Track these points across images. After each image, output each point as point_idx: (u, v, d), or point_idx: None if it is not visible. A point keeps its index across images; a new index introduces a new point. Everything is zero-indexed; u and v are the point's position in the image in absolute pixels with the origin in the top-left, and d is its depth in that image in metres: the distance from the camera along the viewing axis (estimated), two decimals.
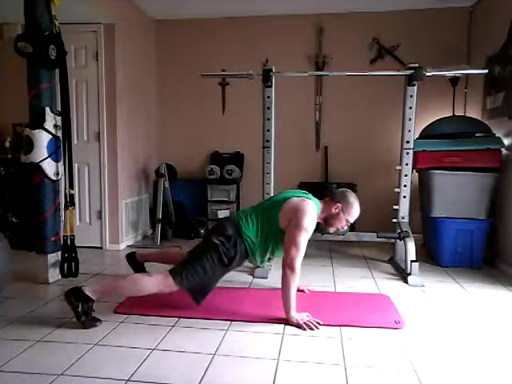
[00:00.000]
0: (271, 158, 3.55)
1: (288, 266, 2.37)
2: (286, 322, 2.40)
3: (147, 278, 2.43)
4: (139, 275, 2.55)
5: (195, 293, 2.42)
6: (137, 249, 4.18)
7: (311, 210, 2.44)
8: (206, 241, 2.53)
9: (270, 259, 2.71)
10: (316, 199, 2.59)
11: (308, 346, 2.17)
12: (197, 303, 2.44)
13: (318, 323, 2.36)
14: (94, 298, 2.32)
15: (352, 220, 2.60)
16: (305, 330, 2.32)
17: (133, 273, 2.83)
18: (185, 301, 2.55)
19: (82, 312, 2.29)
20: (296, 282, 2.39)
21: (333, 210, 2.56)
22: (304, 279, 3.25)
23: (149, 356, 2.03)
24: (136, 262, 3.01)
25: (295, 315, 2.38)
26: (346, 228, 2.63)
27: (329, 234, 2.73)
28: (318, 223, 2.59)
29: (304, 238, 2.40)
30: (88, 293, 2.30)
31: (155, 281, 2.38)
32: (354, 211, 2.58)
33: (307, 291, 2.92)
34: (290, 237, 2.40)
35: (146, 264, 3.02)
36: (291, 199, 2.52)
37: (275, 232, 2.49)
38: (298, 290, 2.88)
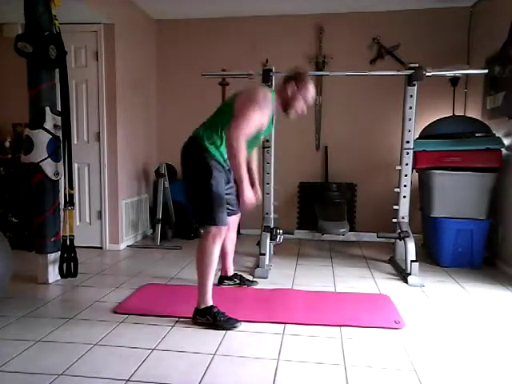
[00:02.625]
0: (271, 157, 3.55)
1: (231, 137, 2.24)
2: (286, 321, 2.41)
3: (199, 247, 2.42)
4: (197, 252, 2.47)
5: (220, 219, 2.41)
6: (136, 249, 4.21)
7: (263, 90, 2.40)
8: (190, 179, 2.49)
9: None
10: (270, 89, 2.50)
11: (308, 346, 2.17)
12: (223, 224, 2.41)
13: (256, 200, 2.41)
14: (209, 305, 2.39)
15: (309, 97, 2.53)
16: (246, 207, 2.34)
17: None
18: (185, 301, 2.55)
19: (213, 320, 2.35)
20: (243, 156, 2.28)
21: (288, 92, 2.50)
22: (304, 279, 3.26)
23: (149, 356, 2.03)
24: (228, 278, 3.07)
25: (250, 193, 2.35)
26: (305, 109, 2.57)
27: (291, 115, 2.58)
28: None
29: (255, 111, 2.27)
30: (203, 305, 2.39)
31: (205, 243, 2.38)
32: (309, 86, 2.52)
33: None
34: (239, 107, 2.30)
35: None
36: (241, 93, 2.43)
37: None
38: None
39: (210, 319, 2.36)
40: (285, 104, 2.55)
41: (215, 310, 2.38)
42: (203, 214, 2.42)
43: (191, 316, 2.42)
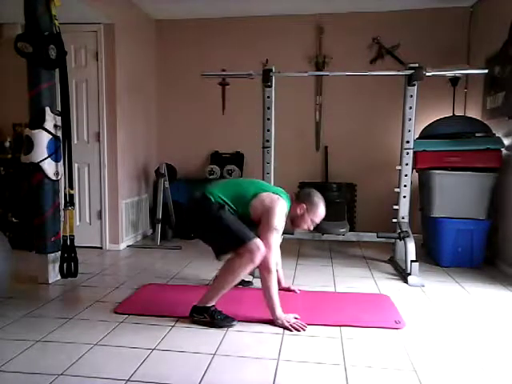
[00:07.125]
0: (271, 158, 3.54)
1: (264, 268, 2.35)
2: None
3: (239, 260, 2.34)
4: (233, 262, 2.39)
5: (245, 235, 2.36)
6: (136, 249, 4.21)
7: (280, 209, 2.42)
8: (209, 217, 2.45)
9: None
10: (286, 196, 2.55)
11: (308, 346, 2.17)
12: (251, 238, 2.34)
13: (303, 325, 2.35)
14: (209, 305, 2.38)
15: (317, 220, 2.59)
16: (291, 331, 2.32)
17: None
18: (185, 301, 2.55)
19: (210, 318, 2.36)
20: (275, 281, 2.38)
21: (298, 211, 2.55)
22: (304, 279, 3.27)
23: (149, 356, 2.03)
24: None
25: (281, 316, 2.38)
26: (311, 228, 2.63)
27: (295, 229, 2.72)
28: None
29: (275, 238, 2.39)
30: (201, 304, 2.39)
31: (244, 259, 2.31)
32: (319, 211, 2.57)
33: (298, 291, 2.92)
34: (262, 239, 2.35)
35: None
36: (261, 194, 2.46)
37: (246, 217, 2.45)
38: (289, 291, 2.90)
39: (207, 317, 2.37)
40: (293, 219, 2.60)
41: (212, 308, 2.39)
42: (228, 242, 2.36)
43: None
